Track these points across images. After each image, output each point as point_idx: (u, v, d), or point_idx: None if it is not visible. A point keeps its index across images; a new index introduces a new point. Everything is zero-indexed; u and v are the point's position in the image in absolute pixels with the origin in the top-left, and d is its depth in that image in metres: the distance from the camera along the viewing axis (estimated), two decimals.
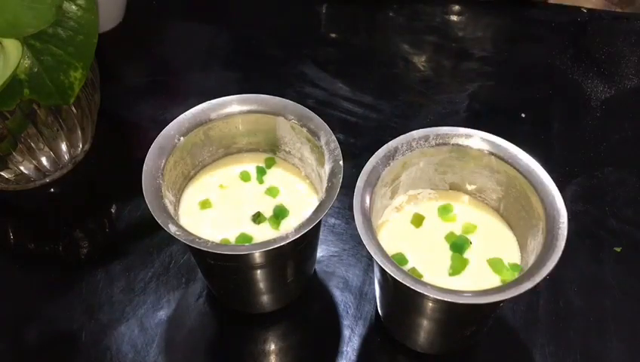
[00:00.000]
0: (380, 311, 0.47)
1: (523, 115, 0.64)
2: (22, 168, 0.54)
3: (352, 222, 0.42)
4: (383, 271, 0.39)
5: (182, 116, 0.45)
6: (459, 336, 0.44)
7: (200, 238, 0.38)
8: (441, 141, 0.43)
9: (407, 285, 0.35)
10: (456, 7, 0.77)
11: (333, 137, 0.43)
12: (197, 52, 0.72)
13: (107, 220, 0.56)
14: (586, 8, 0.77)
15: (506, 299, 0.35)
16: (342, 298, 0.49)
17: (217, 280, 0.47)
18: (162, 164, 0.42)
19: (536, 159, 0.41)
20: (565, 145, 0.61)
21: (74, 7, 0.46)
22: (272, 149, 0.48)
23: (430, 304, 0.39)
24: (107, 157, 0.60)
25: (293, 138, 0.46)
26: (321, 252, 0.51)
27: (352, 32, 0.74)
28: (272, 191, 0.46)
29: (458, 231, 0.43)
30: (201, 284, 0.50)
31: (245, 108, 0.46)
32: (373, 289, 0.48)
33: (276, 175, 0.47)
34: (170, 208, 0.41)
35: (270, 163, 0.48)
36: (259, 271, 0.42)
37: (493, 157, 0.42)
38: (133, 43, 0.73)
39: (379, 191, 0.41)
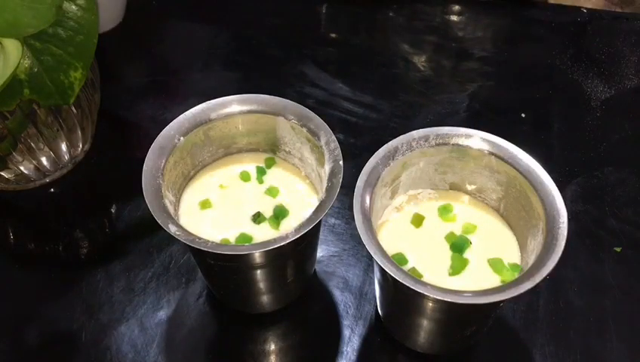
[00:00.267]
0: (379, 311, 0.47)
1: (523, 115, 0.64)
2: (22, 168, 0.54)
3: (352, 222, 0.42)
4: (383, 271, 0.39)
5: (182, 116, 0.45)
6: (459, 336, 0.44)
7: (200, 238, 0.38)
8: (441, 141, 0.43)
9: (407, 285, 0.35)
10: (456, 7, 0.77)
11: (333, 137, 0.43)
12: (197, 52, 0.72)
13: (107, 220, 0.56)
14: (586, 8, 0.77)
15: (506, 299, 0.35)
16: (342, 298, 0.49)
17: (217, 280, 0.47)
18: (162, 164, 0.42)
19: (536, 159, 0.41)
20: (565, 145, 0.61)
21: (74, 7, 0.46)
22: (272, 149, 0.48)
23: (430, 304, 0.39)
24: (107, 157, 0.60)
25: (293, 138, 0.46)
26: (321, 252, 0.51)
27: (352, 32, 0.74)
28: (272, 191, 0.46)
29: (458, 231, 0.43)
30: (201, 284, 0.50)
31: (245, 108, 0.46)
32: (373, 289, 0.48)
33: (276, 175, 0.47)
34: (170, 208, 0.41)
35: (270, 163, 0.48)
36: (259, 271, 0.42)
37: (493, 157, 0.42)
38: (133, 43, 0.73)
39: (379, 191, 0.41)
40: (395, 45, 0.72)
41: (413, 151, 0.42)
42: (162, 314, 0.48)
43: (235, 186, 0.47)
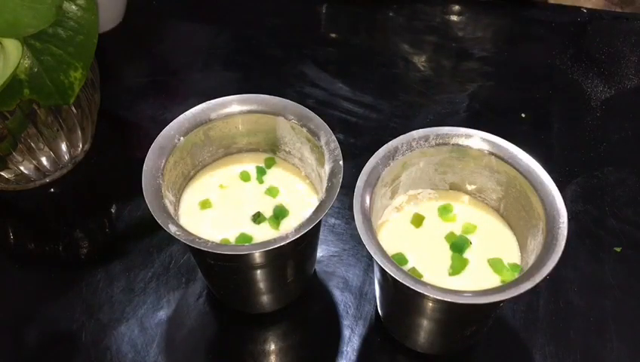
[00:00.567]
0: (379, 311, 0.47)
1: (523, 115, 0.64)
2: (22, 168, 0.54)
3: (352, 222, 0.42)
4: (383, 271, 0.39)
5: (182, 116, 0.45)
6: (459, 336, 0.44)
7: (200, 238, 0.38)
8: (441, 141, 0.43)
9: (407, 285, 0.35)
10: (456, 7, 0.77)
11: (333, 137, 0.43)
12: (197, 52, 0.72)
13: (107, 220, 0.56)
14: (586, 8, 0.77)
15: (506, 299, 0.35)
16: (342, 298, 0.49)
17: (217, 280, 0.47)
18: (162, 164, 0.42)
19: (536, 159, 0.41)
20: (565, 145, 0.61)
21: (74, 7, 0.46)
22: (272, 149, 0.48)
23: (430, 304, 0.39)
24: (107, 157, 0.60)
25: (293, 138, 0.46)
26: (321, 252, 0.51)
27: (352, 32, 0.74)
28: (272, 191, 0.46)
29: (458, 231, 0.43)
30: (201, 284, 0.50)
31: (245, 108, 0.46)
32: (373, 289, 0.48)
33: (276, 175, 0.47)
34: (170, 208, 0.41)
35: (270, 163, 0.48)
36: (259, 271, 0.42)
37: (493, 157, 0.42)
38: (133, 43, 0.73)
39: (379, 191, 0.41)
40: (395, 45, 0.72)
41: (413, 151, 0.42)
42: (162, 314, 0.48)
43: (235, 186, 0.47)
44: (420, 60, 0.71)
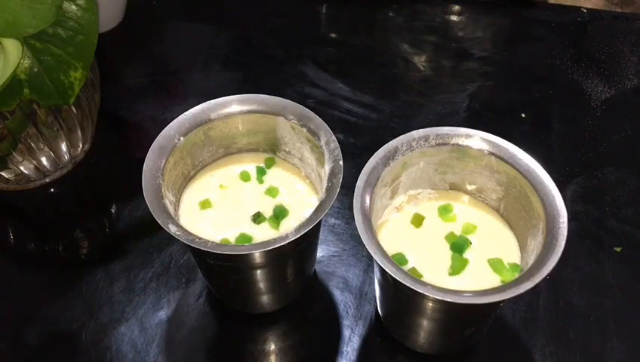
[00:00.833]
0: (379, 311, 0.47)
1: (523, 115, 0.64)
2: (22, 168, 0.54)
3: (352, 222, 0.42)
4: (383, 271, 0.39)
5: (182, 116, 0.45)
6: (459, 336, 0.44)
7: (200, 238, 0.38)
8: (441, 141, 0.43)
9: (407, 285, 0.35)
10: (456, 7, 0.77)
11: (333, 137, 0.43)
12: (197, 52, 0.72)
13: (107, 220, 0.56)
14: (586, 8, 0.77)
15: (506, 299, 0.35)
16: (342, 298, 0.49)
17: (217, 280, 0.47)
18: (162, 164, 0.42)
19: (536, 159, 0.41)
20: (565, 145, 0.61)
21: (74, 7, 0.46)
22: (272, 149, 0.48)
23: (430, 304, 0.39)
24: (107, 157, 0.60)
25: (293, 138, 0.46)
26: (321, 252, 0.51)
27: (352, 32, 0.74)
28: (272, 191, 0.46)
29: (458, 231, 0.43)
30: (201, 284, 0.50)
31: (245, 108, 0.46)
32: (373, 289, 0.48)
33: (276, 175, 0.47)
34: (170, 208, 0.41)
35: (270, 163, 0.48)
36: (259, 271, 0.42)
37: (493, 157, 0.42)
38: (133, 43, 0.73)
39: (379, 191, 0.41)
40: (395, 45, 0.72)
41: (413, 151, 0.42)
42: (162, 314, 0.48)
43: (235, 186, 0.47)
44: (420, 60, 0.71)
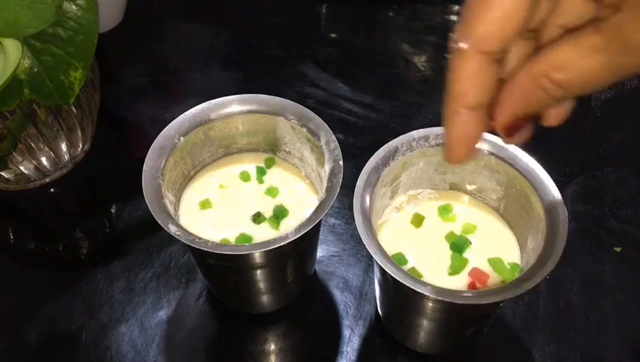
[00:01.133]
0: (379, 311, 0.47)
1: None
2: (22, 168, 0.54)
3: (352, 222, 0.42)
4: (383, 271, 0.39)
5: (182, 116, 0.45)
6: (459, 336, 0.44)
7: (200, 238, 0.38)
8: (441, 141, 0.43)
9: (407, 285, 0.35)
10: (456, 7, 0.77)
11: (333, 137, 0.43)
12: (197, 52, 0.72)
13: (107, 220, 0.56)
14: None
15: (506, 299, 0.35)
16: (342, 298, 0.49)
17: (217, 280, 0.47)
18: (162, 164, 0.42)
19: (536, 159, 0.41)
20: (565, 145, 0.61)
21: (74, 7, 0.46)
22: (272, 149, 0.48)
23: (430, 304, 0.39)
24: (107, 157, 0.60)
25: (293, 138, 0.46)
26: (321, 252, 0.51)
27: (352, 32, 0.74)
28: (272, 191, 0.46)
29: (458, 231, 0.43)
30: (201, 284, 0.50)
31: (245, 108, 0.46)
32: (373, 289, 0.48)
33: (276, 175, 0.47)
34: (170, 208, 0.41)
35: (270, 163, 0.48)
36: (259, 271, 0.42)
37: (493, 157, 0.42)
38: (133, 43, 0.73)
39: (379, 191, 0.41)
40: (395, 45, 0.72)
41: (413, 151, 0.42)
42: (162, 314, 0.48)
43: (235, 186, 0.47)
44: (420, 60, 0.70)
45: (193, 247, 0.38)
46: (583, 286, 0.49)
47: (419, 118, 0.63)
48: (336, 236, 0.53)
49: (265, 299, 0.46)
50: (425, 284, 0.35)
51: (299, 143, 0.46)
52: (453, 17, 0.76)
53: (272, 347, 0.47)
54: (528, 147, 0.42)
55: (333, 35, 0.74)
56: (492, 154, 0.42)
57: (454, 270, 0.41)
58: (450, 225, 0.44)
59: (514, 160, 0.41)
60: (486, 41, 0.23)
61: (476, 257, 0.42)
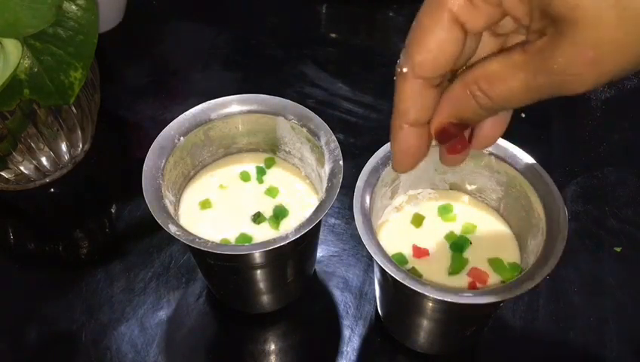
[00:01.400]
0: (380, 311, 0.47)
1: (523, 115, 0.64)
2: (22, 168, 0.54)
3: (352, 222, 0.42)
4: (383, 271, 0.39)
5: (182, 116, 0.45)
6: (459, 336, 0.44)
7: (200, 238, 0.38)
8: None
9: (407, 285, 0.35)
10: None
11: (333, 137, 0.43)
12: (197, 52, 0.72)
13: (107, 220, 0.56)
14: None
15: (506, 299, 0.35)
16: (342, 298, 0.49)
17: (217, 280, 0.47)
18: (162, 164, 0.42)
19: (536, 159, 0.41)
20: (565, 145, 0.61)
21: (74, 7, 0.46)
22: (272, 149, 0.48)
23: (430, 304, 0.39)
24: (107, 157, 0.60)
25: (293, 138, 0.46)
26: (321, 252, 0.51)
27: (352, 32, 0.74)
28: (271, 192, 0.46)
29: (458, 231, 0.43)
30: (201, 284, 0.50)
31: (245, 108, 0.46)
32: (373, 289, 0.48)
33: (276, 175, 0.47)
34: (170, 208, 0.41)
35: (270, 163, 0.48)
36: (259, 271, 0.42)
37: (493, 157, 0.42)
38: (133, 43, 0.73)
39: (379, 191, 0.41)
40: (395, 45, 0.72)
41: None
42: (162, 314, 0.48)
43: (235, 186, 0.47)
44: None
45: (193, 247, 0.38)
46: (583, 286, 0.49)
47: None
48: (336, 236, 0.53)
49: (265, 299, 0.46)
50: (425, 284, 0.35)
51: (299, 143, 0.46)
52: None
53: (272, 347, 0.47)
54: (528, 147, 0.42)
55: (333, 35, 0.74)
56: (492, 154, 0.42)
57: (454, 270, 0.41)
58: (450, 225, 0.44)
59: (514, 160, 0.41)
60: (422, 67, 0.26)
61: (476, 257, 0.42)
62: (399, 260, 0.41)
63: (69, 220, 0.55)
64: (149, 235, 0.53)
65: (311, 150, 0.45)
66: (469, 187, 0.45)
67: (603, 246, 0.52)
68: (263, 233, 0.44)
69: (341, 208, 0.54)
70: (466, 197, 0.45)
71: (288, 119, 0.45)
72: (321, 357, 0.46)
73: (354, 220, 0.38)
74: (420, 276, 0.41)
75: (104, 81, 0.58)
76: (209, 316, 0.48)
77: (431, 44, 0.26)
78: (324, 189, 0.41)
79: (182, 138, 0.44)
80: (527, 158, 0.41)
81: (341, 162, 0.41)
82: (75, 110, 0.54)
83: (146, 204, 0.39)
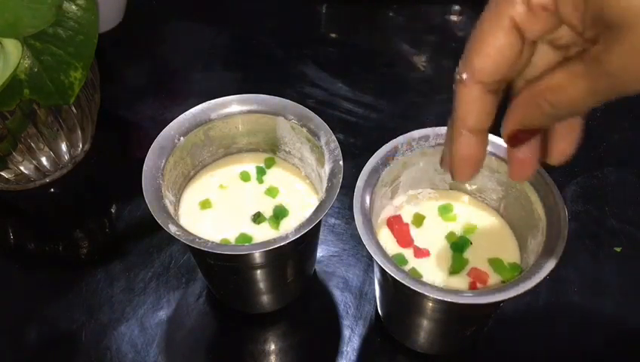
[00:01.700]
0: (380, 311, 0.47)
1: None
2: (22, 168, 0.54)
3: (352, 222, 0.42)
4: (383, 271, 0.39)
5: (182, 116, 0.45)
6: (459, 336, 0.44)
7: (200, 238, 0.38)
8: (441, 141, 0.43)
9: (407, 285, 0.35)
10: (456, 7, 0.77)
11: (334, 137, 0.43)
12: (197, 52, 0.72)
13: (107, 220, 0.56)
14: None
15: (506, 299, 0.35)
16: (342, 298, 0.49)
17: (217, 280, 0.47)
18: (162, 164, 0.42)
19: None
20: None
21: (74, 7, 0.46)
22: (272, 149, 0.48)
23: (430, 304, 0.39)
24: (107, 157, 0.60)
25: (293, 138, 0.46)
26: (321, 252, 0.51)
27: (352, 32, 0.74)
28: (271, 191, 0.46)
29: (458, 231, 0.43)
30: (201, 284, 0.50)
31: (245, 108, 0.46)
32: (373, 289, 0.48)
33: (276, 175, 0.47)
34: (170, 208, 0.41)
35: (270, 163, 0.48)
36: (259, 271, 0.42)
37: (493, 157, 0.42)
38: (133, 43, 0.73)
39: (379, 191, 0.41)
40: (395, 45, 0.72)
41: (413, 151, 0.42)
42: (162, 314, 0.48)
43: (235, 186, 0.47)
44: (420, 60, 0.70)
45: (193, 247, 0.38)
46: (583, 286, 0.49)
47: (419, 118, 0.63)
48: (336, 236, 0.53)
49: (265, 299, 0.46)
50: (425, 284, 0.35)
51: (299, 143, 0.46)
52: (454, 17, 0.76)
53: (272, 347, 0.47)
54: None
55: (333, 35, 0.74)
56: (492, 154, 0.42)
57: (454, 270, 0.41)
58: (451, 224, 0.44)
59: None
60: (481, 72, 0.27)
61: (476, 257, 0.42)
62: (399, 260, 0.41)
63: (69, 220, 0.55)
64: (149, 235, 0.53)
65: (311, 150, 0.45)
66: (469, 187, 0.45)
67: (603, 246, 0.52)
68: (263, 233, 0.44)
69: (341, 208, 0.54)
70: (466, 197, 0.45)
71: (288, 119, 0.45)
72: (321, 357, 0.46)
73: (354, 220, 0.38)
74: (420, 276, 0.41)
75: (104, 81, 0.58)
76: (209, 316, 0.48)
77: (491, 50, 0.27)
78: (324, 189, 0.41)
79: (182, 138, 0.44)
80: None
81: (341, 162, 0.41)
82: (75, 110, 0.54)
83: (146, 204, 0.39)
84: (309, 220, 0.39)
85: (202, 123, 0.45)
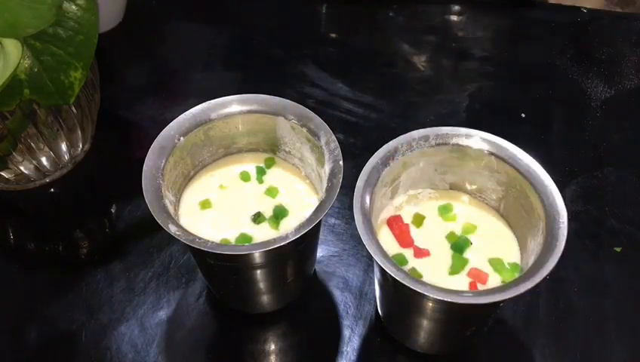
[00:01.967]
0: (380, 311, 0.47)
1: (523, 115, 0.64)
2: (22, 168, 0.54)
3: (352, 222, 0.42)
4: (383, 271, 0.39)
5: (182, 116, 0.45)
6: (459, 336, 0.44)
7: (200, 238, 0.38)
8: (441, 141, 0.43)
9: (407, 285, 0.35)
10: (456, 7, 0.77)
11: (334, 137, 0.43)
12: (197, 52, 0.72)
13: (107, 220, 0.56)
14: (586, 8, 0.77)
15: (506, 299, 0.35)
16: (342, 298, 0.49)
17: (217, 280, 0.47)
18: (162, 164, 0.42)
19: (536, 159, 0.41)
20: (565, 145, 0.61)
21: (74, 7, 0.46)
22: (272, 149, 0.48)
23: (430, 304, 0.39)
24: (107, 157, 0.60)
25: (293, 138, 0.46)
26: (321, 252, 0.51)
27: (352, 32, 0.74)
28: (271, 192, 0.46)
29: (458, 231, 0.43)
30: (201, 284, 0.50)
31: (245, 108, 0.46)
32: (373, 289, 0.48)
33: (276, 175, 0.47)
34: (170, 208, 0.41)
35: (270, 163, 0.48)
36: (259, 271, 0.42)
37: (493, 157, 0.42)
38: (133, 43, 0.73)
39: (379, 191, 0.41)
40: (395, 45, 0.72)
41: (413, 151, 0.42)
42: (162, 314, 0.48)
43: (235, 186, 0.47)
44: (420, 60, 0.71)
45: (193, 247, 0.38)
46: (583, 286, 0.49)
47: (419, 118, 0.63)
48: (336, 236, 0.53)
49: (265, 299, 0.46)
50: (425, 284, 0.35)
51: (299, 143, 0.46)
52: (454, 17, 0.76)
53: (272, 347, 0.47)
54: (528, 147, 0.42)
55: (333, 35, 0.74)
56: (492, 154, 0.42)
57: (454, 270, 0.41)
58: (451, 224, 0.44)
59: (514, 160, 0.41)
60: None
61: (476, 257, 0.42)
62: (399, 260, 0.41)
63: (69, 220, 0.55)
64: (149, 235, 0.53)
65: (311, 150, 0.45)
66: (469, 187, 0.45)
67: (603, 246, 0.52)
68: (263, 233, 0.44)
69: (341, 208, 0.54)
70: (466, 197, 0.45)
71: (288, 119, 0.45)
72: (321, 357, 0.46)
73: (354, 220, 0.38)
74: (420, 276, 0.41)
75: (104, 81, 0.58)
76: (209, 316, 0.48)
77: None
78: (324, 189, 0.41)
79: (182, 138, 0.44)
80: (527, 158, 0.41)
81: (341, 162, 0.41)
82: (75, 110, 0.54)
83: (146, 204, 0.39)
84: (309, 220, 0.39)
85: (202, 123, 0.45)
